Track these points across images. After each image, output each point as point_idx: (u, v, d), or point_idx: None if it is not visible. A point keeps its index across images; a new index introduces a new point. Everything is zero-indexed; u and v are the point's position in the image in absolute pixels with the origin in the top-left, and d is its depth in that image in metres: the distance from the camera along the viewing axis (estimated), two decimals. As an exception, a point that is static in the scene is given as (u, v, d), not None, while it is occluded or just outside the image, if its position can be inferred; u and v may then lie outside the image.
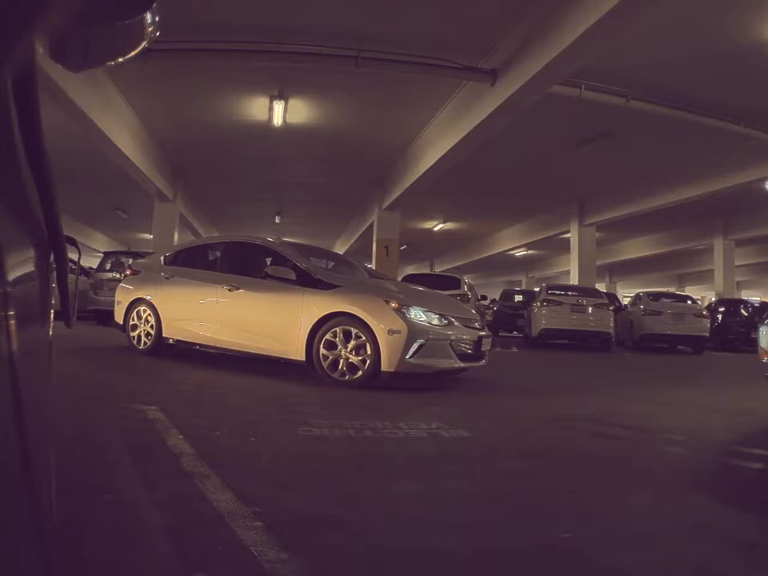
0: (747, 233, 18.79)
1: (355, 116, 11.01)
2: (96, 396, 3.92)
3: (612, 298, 15.92)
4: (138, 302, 6.46)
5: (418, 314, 5.06)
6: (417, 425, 3.60)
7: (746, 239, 19.61)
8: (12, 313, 0.53)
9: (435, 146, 11.12)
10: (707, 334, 12.98)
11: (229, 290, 5.73)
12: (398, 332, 4.89)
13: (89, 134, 9.87)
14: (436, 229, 21.70)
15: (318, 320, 5.14)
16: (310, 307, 5.22)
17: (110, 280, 11.59)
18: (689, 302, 14.22)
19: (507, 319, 16.86)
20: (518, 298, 19.00)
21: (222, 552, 1.67)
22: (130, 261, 11.44)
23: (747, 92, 8.81)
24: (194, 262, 6.50)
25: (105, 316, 10.96)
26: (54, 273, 0.85)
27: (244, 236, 6.94)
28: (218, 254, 6.42)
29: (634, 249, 23.99)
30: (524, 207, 18.48)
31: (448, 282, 11.15)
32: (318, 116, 10.97)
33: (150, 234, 16.32)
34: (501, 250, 23.87)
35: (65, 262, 0.85)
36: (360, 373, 4.96)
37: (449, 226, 21.39)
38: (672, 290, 25.33)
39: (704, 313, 13.42)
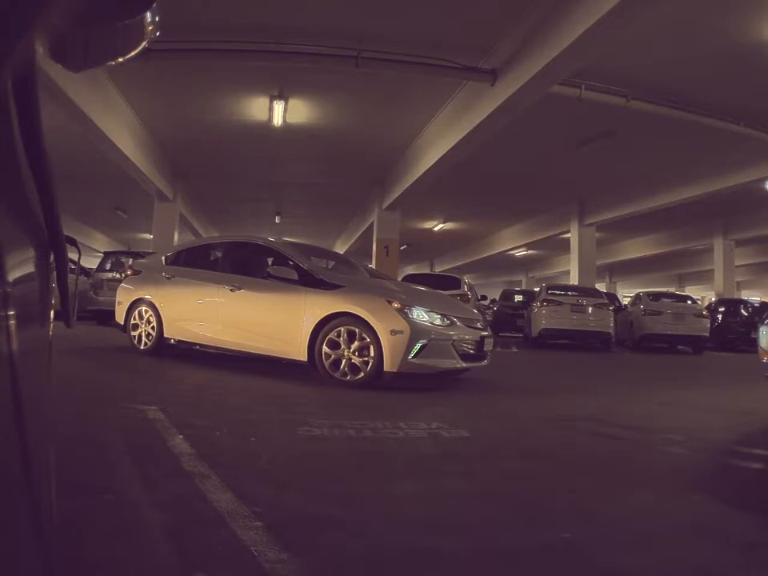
0: (747, 233, 18.79)
1: (355, 116, 11.01)
2: (96, 396, 3.92)
3: (612, 297, 15.92)
4: (139, 302, 6.45)
5: (420, 314, 5.05)
6: (417, 425, 3.60)
7: (745, 239, 19.61)
8: (12, 313, 0.53)
9: (435, 146, 11.12)
10: (707, 334, 12.98)
11: (231, 290, 5.72)
12: (401, 332, 4.89)
13: (89, 133, 9.87)
14: (436, 229, 21.71)
15: (321, 320, 5.13)
16: (312, 307, 5.21)
17: (110, 280, 11.59)
18: (689, 302, 14.22)
19: (507, 319, 16.85)
20: (518, 297, 19.00)
21: (222, 552, 1.67)
22: (130, 261, 11.48)
23: (747, 92, 8.82)
24: (195, 262, 6.49)
25: (105, 316, 10.97)
26: (54, 273, 0.85)
27: (245, 236, 6.94)
28: (220, 254, 6.41)
29: (634, 249, 23.99)
30: (524, 207, 18.48)
31: (448, 282, 11.15)
32: (317, 116, 10.98)
33: (150, 233, 16.33)
34: (501, 250, 23.88)
35: (65, 262, 0.85)
36: (363, 373, 4.95)
37: (449, 225, 21.39)
38: (672, 290, 25.33)
39: (704, 313, 13.42)
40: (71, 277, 0.99)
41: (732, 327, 14.73)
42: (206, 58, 8.16)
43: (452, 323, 5.24)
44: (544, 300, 12.60)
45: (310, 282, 5.34)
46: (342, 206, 18.95)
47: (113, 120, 10.01)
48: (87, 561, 1.55)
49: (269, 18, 7.50)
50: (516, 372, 7.70)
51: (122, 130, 10.59)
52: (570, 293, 13.27)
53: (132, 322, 6.46)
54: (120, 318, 6.68)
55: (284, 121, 10.54)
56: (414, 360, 4.90)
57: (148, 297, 6.37)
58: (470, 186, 15.26)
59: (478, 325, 5.62)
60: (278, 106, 10.06)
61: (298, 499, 2.16)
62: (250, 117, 10.99)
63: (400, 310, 4.98)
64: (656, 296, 14.00)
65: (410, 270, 27.30)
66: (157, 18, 0.79)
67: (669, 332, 12.79)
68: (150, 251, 12.69)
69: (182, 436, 2.90)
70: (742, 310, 15.17)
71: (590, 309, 12.28)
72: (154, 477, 2.29)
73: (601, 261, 21.91)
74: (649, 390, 6.26)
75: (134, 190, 14.61)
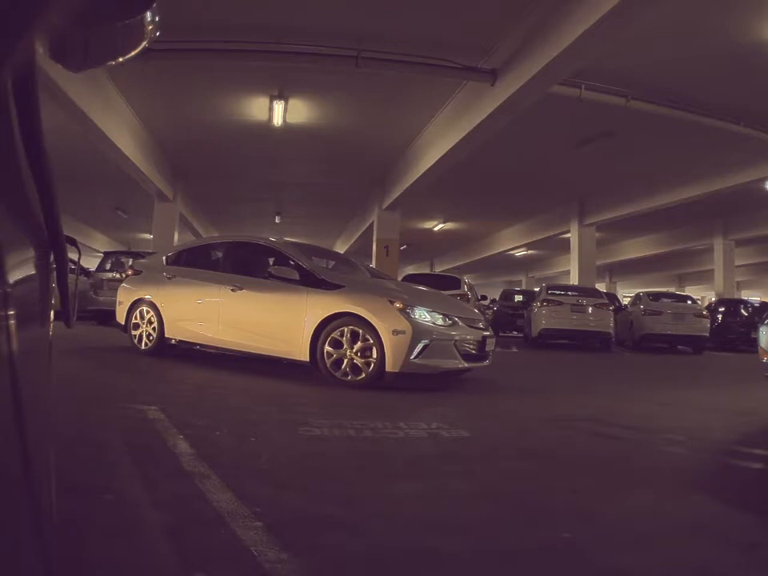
0: (747, 233, 18.80)
1: (355, 116, 11.01)
2: (96, 396, 3.92)
3: (612, 297, 15.92)
4: (140, 302, 6.44)
5: (422, 314, 5.04)
6: (417, 425, 3.60)
7: (746, 239, 19.61)
8: (12, 313, 0.53)
9: (435, 146, 11.12)
10: (707, 334, 12.97)
11: (232, 290, 5.72)
12: (403, 332, 4.88)
13: (89, 133, 9.88)
14: (436, 229, 21.71)
15: (322, 320, 5.12)
16: (314, 307, 5.21)
17: (110, 280, 11.59)
18: (689, 302, 14.22)
19: (507, 319, 16.86)
20: (518, 297, 19.01)
21: (222, 552, 1.67)
22: (130, 261, 11.49)
23: (747, 92, 8.82)
24: (196, 262, 6.48)
25: (105, 316, 10.97)
26: (54, 273, 0.85)
27: (246, 236, 6.93)
28: (221, 254, 6.40)
29: (634, 249, 23.99)
30: (524, 207, 18.49)
31: (448, 281, 11.15)
32: (318, 116, 10.98)
33: (150, 233, 16.33)
34: (501, 250, 23.88)
35: (65, 262, 0.85)
36: (364, 373, 4.95)
37: (449, 225, 21.39)
38: (672, 290, 25.33)
39: (704, 313, 13.42)
40: (71, 277, 0.99)
41: (732, 327, 14.73)
42: (206, 58, 8.16)
43: (454, 323, 5.23)
44: (544, 300, 12.60)
45: (311, 282, 5.34)
46: (342, 206, 18.95)
47: (113, 120, 10.01)
48: (87, 561, 1.55)
49: (269, 17, 7.50)
50: (516, 372, 7.70)
51: (122, 130, 10.59)
52: (569, 293, 13.27)
53: (133, 322, 6.45)
54: (121, 317, 6.68)
55: (284, 121, 10.54)
56: (416, 360, 4.89)
57: (149, 297, 6.37)
58: (469, 186, 15.26)
59: (480, 325, 5.61)
60: (278, 106, 10.06)
61: (298, 499, 2.16)
62: (250, 117, 10.99)
63: (402, 310, 4.97)
64: (656, 296, 14.00)
65: (410, 270, 27.30)
66: (157, 18, 0.79)
67: (669, 332, 12.79)
68: (150, 251, 12.70)
69: (182, 436, 2.90)
70: (742, 310, 15.16)
71: (590, 309, 12.28)
72: (154, 477, 2.29)
73: (601, 261, 21.91)
74: (649, 389, 6.26)
75: (133, 190, 14.61)
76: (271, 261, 6.05)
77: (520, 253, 25.81)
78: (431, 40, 7.83)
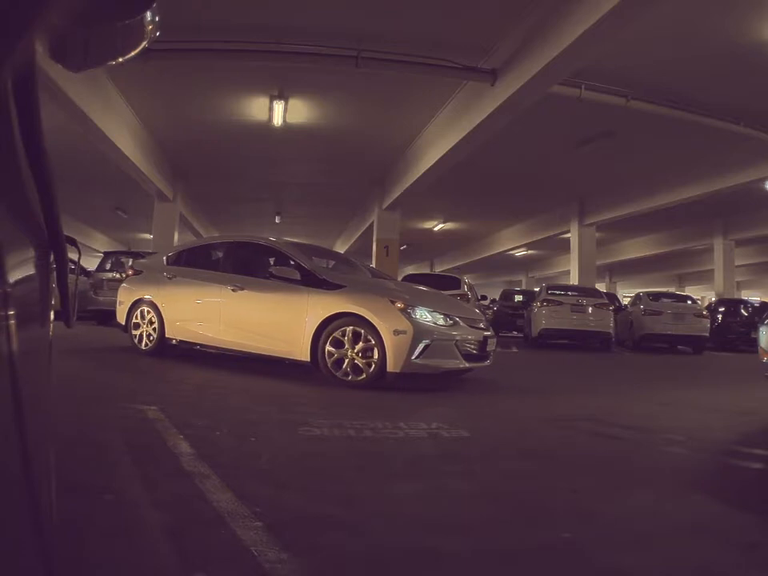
0: (747, 233, 18.79)
1: (355, 116, 11.01)
2: (96, 396, 3.92)
3: (612, 297, 15.92)
4: (140, 302, 6.44)
5: (423, 315, 5.04)
6: (417, 425, 3.59)
7: (746, 239, 19.61)
8: (12, 313, 0.53)
9: (435, 146, 11.12)
10: (707, 334, 12.97)
11: (233, 290, 5.71)
12: (404, 332, 4.88)
13: (89, 133, 9.87)
14: (436, 229, 21.71)
15: (324, 320, 5.12)
16: (315, 307, 5.20)
17: (110, 280, 11.59)
18: (689, 302, 14.22)
19: (507, 319, 16.86)
20: (518, 297, 19.00)
21: (222, 552, 1.67)
22: (130, 261, 11.49)
23: (747, 92, 8.82)
24: (196, 262, 6.47)
25: (105, 316, 10.97)
26: (54, 273, 0.85)
27: (247, 236, 6.92)
28: (221, 254, 6.40)
29: (634, 249, 23.99)
30: (524, 207, 18.48)
31: (448, 282, 11.15)
32: (318, 116, 10.98)
33: (150, 233, 16.33)
34: (501, 250, 23.88)
35: (65, 262, 0.85)
36: (366, 374, 4.94)
37: (449, 225, 21.39)
38: (672, 290, 25.33)
39: (704, 313, 13.42)
40: (71, 277, 0.99)
41: (732, 327, 14.73)
42: (206, 58, 8.16)
43: (455, 323, 5.23)
44: (544, 300, 12.60)
45: (312, 282, 5.33)
46: (342, 206, 18.95)
47: (113, 120, 10.01)
48: (87, 561, 1.55)
49: (269, 17, 7.50)
50: (516, 372, 7.70)
51: (122, 130, 10.59)
52: (570, 293, 13.27)
53: (133, 322, 6.44)
54: (121, 318, 6.67)
55: (284, 121, 10.54)
56: (417, 360, 4.89)
57: (150, 297, 6.36)
58: (469, 186, 15.26)
59: (481, 325, 5.61)
60: (278, 106, 10.06)
61: (298, 499, 2.16)
62: (250, 117, 10.99)
63: (403, 310, 4.97)
64: (656, 296, 14.00)
65: (410, 270, 27.30)
66: (157, 18, 0.79)
67: (669, 332, 12.78)
68: (150, 251, 12.70)
69: (182, 436, 2.90)
70: (742, 310, 15.16)
71: (590, 309, 12.28)
72: (154, 477, 2.29)
73: (601, 261, 21.91)
74: (649, 389, 6.26)
75: (133, 189, 14.61)
76: (272, 261, 6.05)
77: (520, 253, 25.81)
78: (431, 40, 7.83)
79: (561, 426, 3.94)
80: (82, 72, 0.93)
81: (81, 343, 6.76)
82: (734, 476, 2.89)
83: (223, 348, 5.87)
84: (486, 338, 5.48)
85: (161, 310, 6.21)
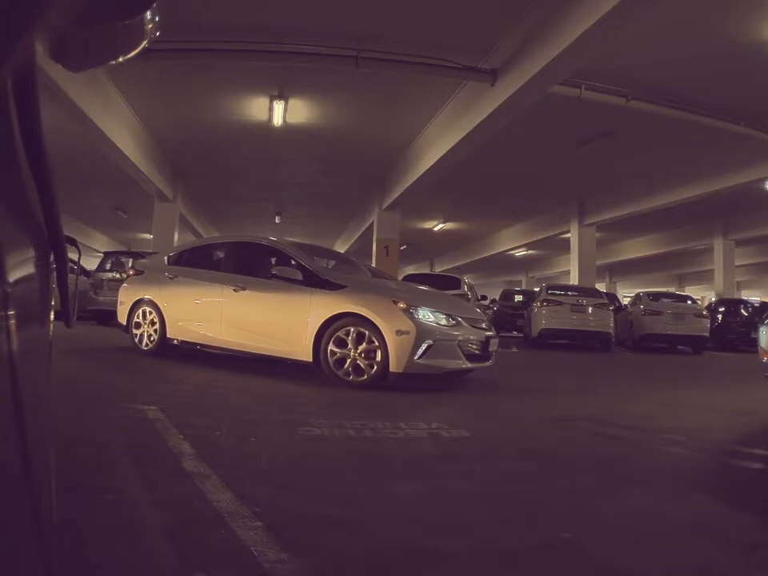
0: (747, 233, 18.79)
1: (355, 116, 11.01)
2: (96, 396, 3.92)
3: (612, 297, 15.92)
4: (141, 302, 6.42)
5: (426, 315, 5.03)
6: (417, 425, 3.59)
7: (746, 239, 19.61)
8: (12, 313, 0.53)
9: (435, 146, 11.12)
10: (707, 334, 12.97)
11: (235, 290, 5.71)
12: (407, 333, 4.87)
13: (89, 133, 9.87)
14: (436, 229, 21.71)
15: (326, 320, 5.11)
16: (317, 308, 5.20)
17: (110, 280, 11.59)
18: (689, 302, 14.21)
19: (507, 319, 16.86)
20: (518, 297, 19.01)
21: (222, 552, 1.67)
22: (130, 261, 11.49)
23: (747, 92, 8.82)
24: (198, 262, 6.45)
25: (105, 316, 10.98)
26: (54, 273, 0.85)
27: (248, 236, 6.90)
28: (223, 254, 6.39)
29: (634, 249, 23.99)
30: (524, 207, 18.49)
31: (448, 282, 11.14)
32: (318, 116, 10.98)
33: (150, 233, 16.33)
34: (501, 250, 23.88)
35: (65, 262, 0.85)
36: (368, 374, 4.94)
37: (449, 225, 21.39)
38: (672, 290, 25.33)
39: (704, 313, 13.42)
40: (71, 277, 0.99)
41: (732, 327, 14.73)
42: (206, 58, 8.16)
43: (457, 323, 5.23)
44: (544, 300, 12.60)
45: (314, 282, 5.33)
46: (342, 206, 18.95)
47: (113, 120, 10.01)
48: (87, 561, 1.55)
49: (269, 17, 7.50)
50: (516, 372, 7.70)
51: (122, 130, 10.59)
52: (570, 293, 13.27)
53: (134, 322, 6.43)
54: (122, 318, 6.65)
55: (284, 121, 10.54)
56: (419, 361, 4.89)
57: (151, 297, 6.35)
58: (470, 186, 15.26)
59: (483, 325, 5.61)
60: (278, 106, 10.06)
61: (298, 499, 2.16)
62: (250, 117, 10.99)
63: (406, 311, 4.96)
64: (656, 296, 14.00)
65: (410, 270, 27.30)
66: (157, 18, 0.79)
67: (669, 332, 12.78)
68: (150, 251, 12.70)
69: (182, 436, 2.90)
70: (742, 310, 15.16)
71: (590, 309, 12.28)
72: (153, 477, 2.29)
73: (601, 261, 21.91)
74: (649, 389, 6.26)
75: (133, 189, 14.61)
76: (273, 261, 6.03)
77: (520, 253, 25.81)
78: (431, 40, 7.83)
79: (561, 426, 3.94)
80: (81, 72, 0.93)
81: (81, 343, 6.76)
82: (734, 476, 2.89)
83: (225, 348, 5.87)
84: (488, 338, 5.47)
85: (162, 310, 6.20)
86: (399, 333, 4.87)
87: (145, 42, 0.81)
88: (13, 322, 0.53)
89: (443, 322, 5.13)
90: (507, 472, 2.74)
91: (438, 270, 30.84)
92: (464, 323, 5.30)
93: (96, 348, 7.15)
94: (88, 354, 6.38)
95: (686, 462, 3.11)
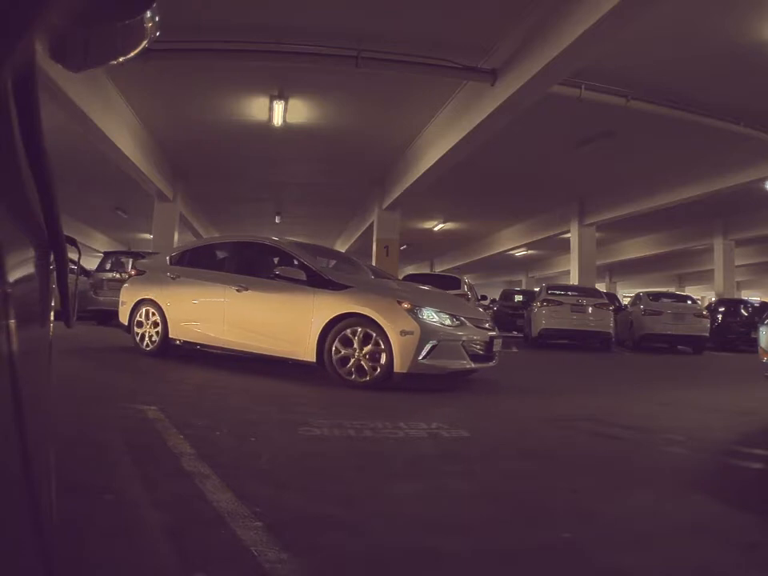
0: (747, 233, 18.79)
1: (355, 116, 11.01)
2: (96, 396, 3.92)
3: (612, 297, 15.92)
4: (143, 302, 6.41)
5: (430, 315, 5.03)
6: (417, 425, 3.59)
7: (746, 239, 19.61)
8: (12, 313, 0.53)
9: (435, 146, 11.12)
10: (707, 334, 12.97)
11: (237, 290, 5.69)
12: (411, 333, 4.87)
13: (89, 133, 9.87)
14: (436, 229, 21.71)
15: (329, 321, 5.10)
16: (321, 308, 5.18)
17: (110, 280, 11.59)
18: (689, 302, 14.21)
19: (507, 319, 16.86)
20: (518, 297, 19.01)
21: (222, 552, 1.67)
22: (130, 261, 11.49)
23: (747, 92, 8.82)
24: (200, 262, 6.43)
25: (105, 316, 10.98)
26: (54, 273, 0.85)
27: (251, 236, 6.88)
28: (225, 254, 6.38)
29: (634, 249, 23.99)
30: (524, 207, 18.49)
31: (448, 282, 11.12)
32: (318, 116, 10.98)
33: (150, 233, 16.33)
34: (501, 250, 23.88)
35: (65, 262, 0.85)
36: (373, 374, 4.93)
37: (449, 225, 21.39)
38: (672, 290, 25.33)
39: (704, 313, 13.42)
40: (71, 277, 0.99)
41: (732, 327, 14.73)
42: (206, 58, 8.16)
43: (461, 324, 5.22)
44: (544, 300, 12.60)
45: (318, 282, 5.32)
46: (342, 206, 18.95)
47: (113, 120, 10.01)
48: (87, 561, 1.55)
49: (269, 17, 7.50)
50: (516, 372, 7.70)
51: (122, 130, 10.59)
52: (570, 293, 13.27)
53: (136, 321, 6.42)
54: (124, 318, 6.62)
55: (284, 121, 10.54)
56: (424, 361, 4.88)
57: (153, 297, 6.33)
58: (470, 186, 15.26)
59: (487, 325, 5.61)
60: (278, 106, 10.06)
61: (298, 499, 2.16)
62: (250, 117, 10.99)
63: (410, 311, 4.96)
64: (656, 296, 14.00)
65: (410, 270, 27.31)
66: (157, 18, 0.79)
67: (669, 332, 12.78)
68: (150, 251, 12.70)
69: (182, 436, 2.90)
70: (742, 310, 15.16)
71: (590, 309, 12.28)
72: (154, 477, 2.29)
73: (601, 261, 21.91)
74: (649, 389, 6.26)
75: (133, 189, 14.61)
76: (276, 261, 6.01)
77: (520, 253, 25.81)
78: (431, 40, 7.83)
79: (561, 426, 3.94)
80: (81, 72, 0.93)
81: (81, 343, 6.76)
82: (734, 476, 2.89)
83: (228, 348, 5.85)
84: (491, 338, 5.47)
85: (164, 311, 6.19)
86: (403, 333, 4.86)
87: (145, 42, 0.81)
88: (13, 321, 0.53)
89: (447, 322, 5.12)
90: (507, 472, 2.74)
91: (438, 270, 30.83)
92: (468, 323, 5.29)
93: (96, 348, 7.15)
94: (88, 354, 6.38)
95: (686, 462, 3.11)
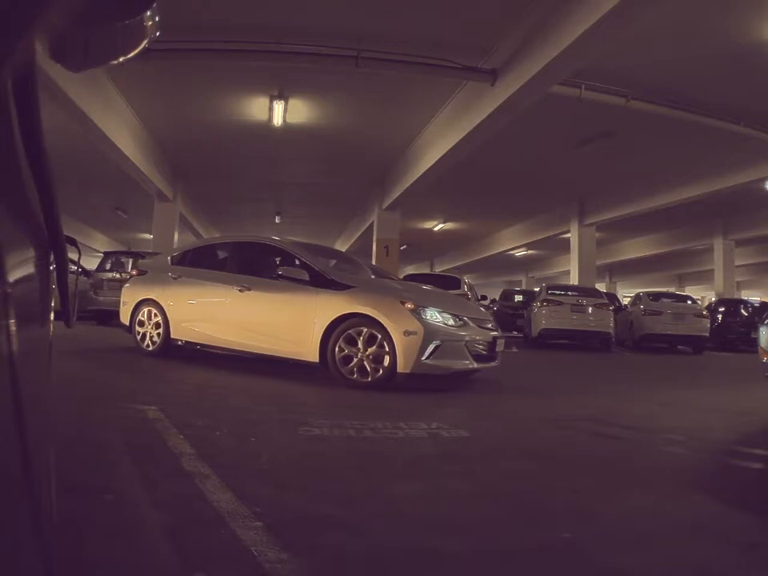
0: (747, 233, 18.80)
1: (355, 116, 11.01)
2: (96, 396, 3.92)
3: (612, 297, 15.91)
4: (144, 302, 6.39)
5: (433, 315, 5.02)
6: (417, 425, 3.59)
7: (746, 239, 19.61)
8: (12, 313, 0.53)
9: (435, 146, 11.12)
10: (707, 334, 12.97)
11: (240, 290, 5.68)
12: (414, 333, 4.86)
13: (89, 134, 9.88)
14: (436, 229, 21.71)
15: (333, 321, 5.09)
16: (324, 308, 5.17)
17: (110, 280, 11.60)
18: (689, 302, 14.21)
19: (507, 319, 16.85)
20: (518, 297, 18.99)
21: (222, 552, 1.67)
22: (131, 261, 11.49)
23: (747, 92, 8.82)
24: (201, 263, 6.41)
25: (105, 316, 10.98)
26: (54, 273, 0.85)
27: (253, 236, 6.86)
28: (227, 254, 6.37)
29: (634, 249, 23.99)
30: (524, 207, 18.49)
31: (448, 282, 11.12)
32: (318, 116, 10.98)
33: (150, 233, 16.33)
34: (501, 250, 23.88)
35: (65, 262, 0.85)
36: (376, 375, 4.92)
37: (449, 225, 21.39)
38: (672, 290, 25.33)
39: (704, 313, 13.41)
40: (71, 277, 0.99)
41: (732, 327, 14.73)
42: (206, 58, 8.16)
43: (465, 324, 5.22)
44: (544, 300, 12.60)
45: (321, 282, 5.31)
46: (342, 206, 18.95)
47: (113, 120, 10.01)
48: (87, 561, 1.55)
49: (269, 17, 7.50)
50: (516, 372, 7.69)
51: (122, 130, 10.59)
52: (570, 293, 13.27)
53: (138, 321, 6.41)
54: (125, 318, 6.61)
55: (284, 121, 10.54)
56: (427, 361, 4.88)
57: (154, 297, 6.32)
58: (470, 186, 15.26)
59: (489, 325, 5.60)
60: (278, 106, 10.06)
61: (298, 499, 2.16)
62: (250, 117, 10.99)
63: (413, 311, 4.95)
64: (656, 296, 14.00)
65: (410, 270, 27.31)
66: (157, 18, 0.79)
67: (669, 332, 12.78)
68: (150, 251, 12.71)
69: (182, 436, 2.90)
70: (742, 310, 15.16)
71: (590, 309, 12.27)
72: (154, 477, 2.29)
73: (601, 261, 21.91)
74: (649, 389, 6.26)
75: (133, 189, 14.61)
76: (278, 261, 6.00)
77: (520, 253, 25.81)
78: (431, 40, 7.83)
79: (561, 426, 3.94)
80: (81, 72, 0.93)
81: (81, 343, 6.76)
82: (734, 476, 2.89)
83: (230, 349, 5.84)
84: (494, 338, 5.47)
85: (166, 311, 6.17)
86: (407, 333, 4.86)
87: (145, 42, 0.81)
88: (13, 321, 0.53)
89: (450, 322, 5.11)
90: (507, 472, 2.74)
91: (438, 269, 30.83)
92: (471, 323, 5.29)
93: (96, 348, 7.15)
94: (88, 354, 6.38)
95: (686, 462, 3.11)
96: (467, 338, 5.16)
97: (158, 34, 0.82)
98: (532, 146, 12.04)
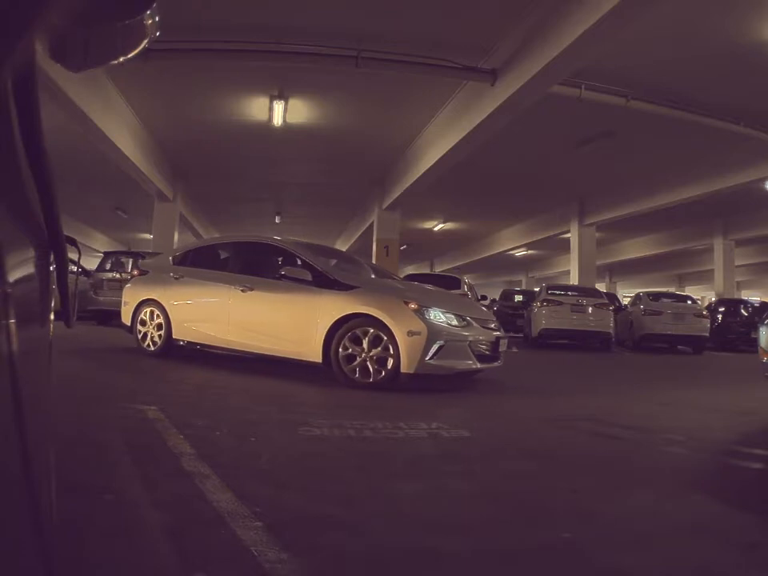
0: (747, 233, 18.80)
1: (355, 116, 11.01)
2: (96, 396, 3.92)
3: (612, 297, 15.91)
4: (146, 302, 6.38)
5: (437, 315, 5.02)
6: (417, 425, 3.59)
7: (746, 239, 19.61)
8: (12, 313, 0.53)
9: (435, 146, 11.12)
10: (707, 334, 12.97)
11: (242, 290, 5.67)
12: (418, 333, 4.85)
13: (89, 134, 9.88)
14: (436, 229, 21.71)
15: (336, 321, 5.08)
16: (327, 308, 5.16)
17: (110, 280, 11.60)
18: (689, 302, 14.21)
19: (507, 319, 16.83)
20: (518, 297, 19.00)
21: (222, 552, 1.67)
22: (131, 261, 11.49)
23: (747, 92, 8.82)
24: (203, 263, 6.40)
25: (105, 316, 10.98)
26: (54, 273, 0.85)
27: (254, 236, 6.85)
28: (229, 254, 6.35)
29: (634, 249, 24.00)
30: (524, 207, 18.49)
31: (448, 282, 11.13)
32: (318, 116, 10.98)
33: (150, 233, 16.34)
34: (501, 250, 23.89)
35: (65, 262, 0.85)
36: (379, 375, 4.92)
37: (449, 225, 21.40)
38: (672, 290, 25.33)
39: (704, 313, 13.42)
40: (71, 277, 0.99)
41: (732, 327, 14.73)
42: (206, 58, 8.16)
43: (468, 324, 5.22)
44: (544, 300, 12.60)
45: (323, 282, 5.29)
46: (342, 206, 18.95)
47: (113, 120, 10.01)
48: (87, 561, 1.55)
49: (269, 17, 7.50)
50: (516, 372, 7.68)
51: (122, 130, 10.59)
52: (570, 293, 13.27)
53: (139, 321, 6.41)
54: (126, 318, 6.60)
55: (284, 121, 10.55)
56: (431, 361, 4.87)
57: (156, 297, 6.30)
58: (470, 186, 15.26)
59: (492, 325, 5.60)
60: (278, 106, 10.07)
61: (298, 499, 2.16)
62: (250, 117, 10.99)
63: (417, 311, 4.94)
64: (656, 296, 14.00)
65: (410, 270, 27.32)
66: (157, 18, 0.79)
67: (669, 332, 12.79)
68: (150, 251, 12.71)
69: (182, 436, 2.90)
70: (742, 310, 15.16)
71: (590, 309, 12.27)
72: (154, 477, 2.29)
73: (601, 261, 21.92)
74: (649, 389, 6.26)
75: (133, 189, 14.61)
76: (279, 261, 5.98)
77: (520, 253, 25.81)
78: (431, 40, 7.83)
79: (561, 426, 3.94)
80: (81, 72, 0.93)
81: (81, 343, 6.76)
82: (734, 476, 2.89)
83: (232, 349, 5.83)
84: (497, 338, 5.47)
85: (168, 311, 6.16)
86: (411, 333, 4.85)
87: (145, 42, 0.81)
88: (13, 321, 0.53)
89: (454, 322, 5.11)
90: (507, 472, 2.74)
91: (438, 269, 30.84)
92: (474, 324, 5.28)
93: (96, 348, 7.15)
94: (88, 354, 6.38)
95: (686, 462, 3.11)
96: (470, 339, 5.16)
97: (158, 33, 0.82)
98: (532, 146, 12.04)
